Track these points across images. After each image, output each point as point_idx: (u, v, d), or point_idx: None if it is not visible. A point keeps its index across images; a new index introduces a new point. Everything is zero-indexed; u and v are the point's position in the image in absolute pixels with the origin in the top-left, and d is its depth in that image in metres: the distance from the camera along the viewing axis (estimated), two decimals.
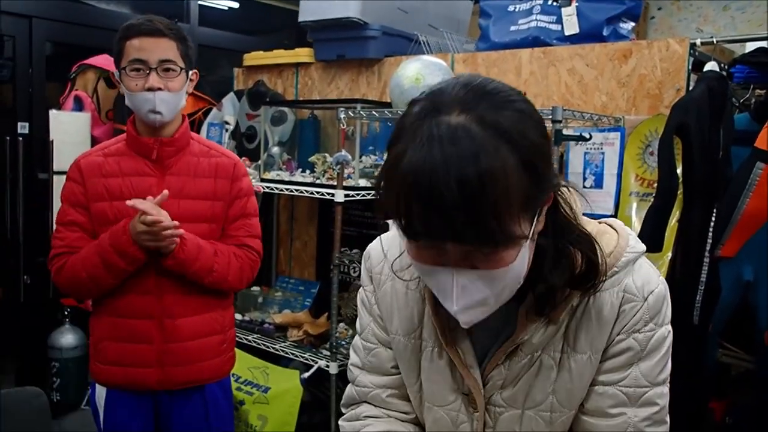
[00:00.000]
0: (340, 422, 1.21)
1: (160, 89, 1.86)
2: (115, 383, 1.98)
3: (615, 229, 1.02)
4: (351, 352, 1.21)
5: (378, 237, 1.15)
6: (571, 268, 0.94)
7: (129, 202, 1.79)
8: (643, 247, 1.01)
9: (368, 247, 1.16)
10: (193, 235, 1.92)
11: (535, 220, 0.85)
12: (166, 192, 1.84)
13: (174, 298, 1.96)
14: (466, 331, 0.99)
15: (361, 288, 1.17)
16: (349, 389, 1.20)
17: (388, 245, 1.12)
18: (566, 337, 0.99)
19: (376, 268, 1.13)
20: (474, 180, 0.77)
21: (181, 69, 1.91)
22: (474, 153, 0.78)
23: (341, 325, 2.99)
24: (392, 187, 0.83)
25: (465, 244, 0.81)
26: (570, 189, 0.98)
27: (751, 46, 2.69)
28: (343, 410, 1.21)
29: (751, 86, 2.42)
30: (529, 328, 0.97)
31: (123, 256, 1.84)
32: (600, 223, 1.04)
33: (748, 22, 3.87)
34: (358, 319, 1.19)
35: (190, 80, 1.98)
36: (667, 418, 1.02)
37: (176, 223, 1.83)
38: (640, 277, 0.98)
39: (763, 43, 2.58)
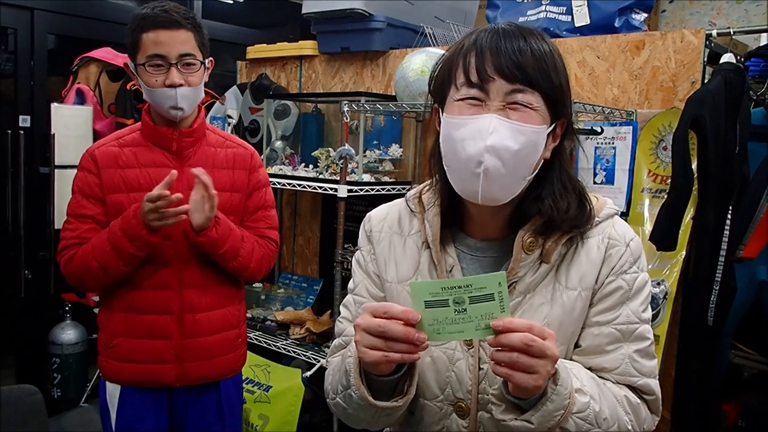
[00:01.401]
0: (327, 359, 1.27)
1: (181, 85, 1.82)
2: (129, 380, 1.94)
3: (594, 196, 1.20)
4: (341, 308, 1.29)
5: (380, 206, 1.30)
6: (567, 204, 1.08)
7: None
8: (618, 209, 1.17)
9: (369, 213, 1.29)
10: (225, 216, 1.89)
11: (551, 126, 1.06)
12: (174, 172, 1.77)
13: (194, 292, 1.93)
14: (462, 272, 1.13)
15: (357, 251, 1.28)
16: (336, 341, 1.25)
17: (387, 210, 1.27)
18: (557, 276, 1.11)
19: (377, 227, 1.25)
20: (537, 40, 1.04)
21: (201, 63, 1.87)
22: (538, 32, 1.06)
23: None
24: (458, 50, 1.06)
25: (514, 81, 1.01)
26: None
27: (765, 39, 2.62)
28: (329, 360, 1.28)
29: (767, 80, 2.36)
30: (524, 263, 1.08)
31: (133, 240, 1.79)
32: None
33: (762, 14, 3.79)
34: (351, 279, 1.28)
35: (207, 68, 1.93)
36: (656, 357, 1.14)
37: (179, 195, 1.76)
38: (620, 227, 1.14)
39: None
